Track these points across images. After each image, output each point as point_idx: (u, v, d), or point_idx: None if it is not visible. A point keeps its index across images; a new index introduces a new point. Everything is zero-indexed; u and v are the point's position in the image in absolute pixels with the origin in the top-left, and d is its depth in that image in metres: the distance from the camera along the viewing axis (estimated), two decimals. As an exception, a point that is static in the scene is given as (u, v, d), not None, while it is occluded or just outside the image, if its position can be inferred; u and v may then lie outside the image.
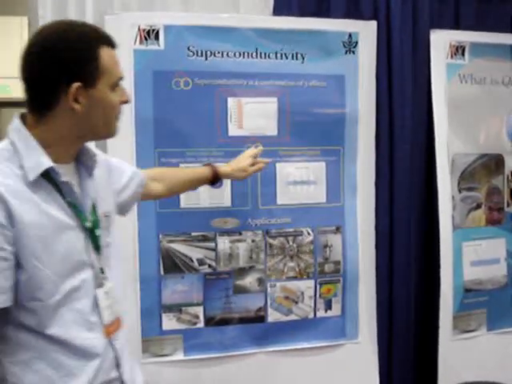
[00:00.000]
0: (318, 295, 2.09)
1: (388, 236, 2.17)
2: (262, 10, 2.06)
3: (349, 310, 2.13)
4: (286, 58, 2.00)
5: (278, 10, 2.06)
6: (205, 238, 1.98)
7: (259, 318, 2.05)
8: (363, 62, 2.08)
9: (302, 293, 2.08)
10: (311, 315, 2.10)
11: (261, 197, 2.02)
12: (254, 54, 1.98)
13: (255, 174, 1.89)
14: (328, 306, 2.11)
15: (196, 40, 1.91)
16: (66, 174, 1.14)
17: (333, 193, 2.09)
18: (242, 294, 2.02)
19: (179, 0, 2.02)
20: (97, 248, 1.18)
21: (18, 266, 1.06)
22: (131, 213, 1.61)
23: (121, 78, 1.17)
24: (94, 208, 1.20)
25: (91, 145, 1.25)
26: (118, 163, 1.42)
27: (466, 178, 2.23)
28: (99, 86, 1.11)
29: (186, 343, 1.98)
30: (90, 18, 1.89)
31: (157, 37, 1.88)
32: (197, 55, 1.92)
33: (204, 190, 1.90)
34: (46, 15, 1.90)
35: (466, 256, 2.22)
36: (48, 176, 1.10)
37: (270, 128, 2.02)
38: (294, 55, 2.01)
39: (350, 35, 2.05)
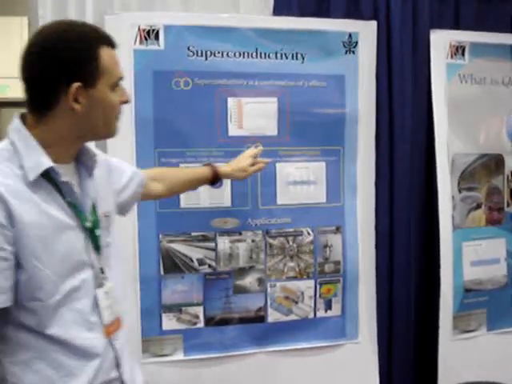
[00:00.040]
0: (317, 295, 2.09)
1: (388, 236, 2.17)
2: (262, 10, 2.06)
3: (349, 310, 2.13)
4: (286, 58, 2.00)
5: (278, 10, 2.06)
6: (205, 238, 1.98)
7: (259, 318, 2.05)
8: (363, 62, 2.08)
9: (302, 293, 2.08)
10: (311, 315, 2.10)
11: (261, 197, 2.02)
12: (254, 54, 1.98)
13: (255, 174, 1.89)
14: (328, 306, 2.11)
15: (196, 40, 1.91)
16: (66, 173, 1.14)
17: (333, 193, 2.09)
18: (242, 294, 2.02)
19: (179, 0, 2.02)
20: (97, 248, 1.18)
21: (18, 266, 1.06)
22: (131, 213, 1.61)
23: (121, 78, 1.17)
24: (93, 208, 1.19)
25: (91, 145, 1.25)
26: (118, 163, 1.42)
27: (466, 178, 2.23)
28: (99, 85, 1.11)
29: (186, 343, 1.98)
30: (89, 18, 1.89)
31: (157, 37, 1.88)
32: (197, 55, 1.92)
33: (204, 190, 1.90)
34: (46, 15, 1.90)
35: (466, 256, 2.22)
36: (48, 176, 1.10)
37: (270, 128, 2.02)
38: (294, 55, 2.01)
39: (349, 35, 2.05)
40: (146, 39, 1.87)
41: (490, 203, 2.27)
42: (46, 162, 1.09)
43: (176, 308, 1.96)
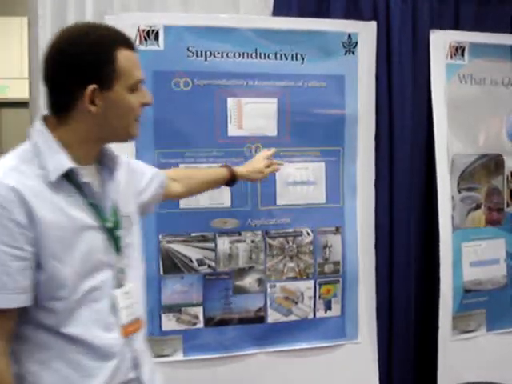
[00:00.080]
0: (317, 296, 2.09)
1: (388, 236, 2.17)
2: (262, 10, 2.07)
3: (348, 310, 2.13)
4: (286, 58, 2.00)
5: (278, 11, 2.06)
6: (204, 239, 1.98)
7: (259, 318, 2.05)
8: (363, 63, 2.08)
9: (302, 293, 2.08)
10: (311, 316, 2.10)
11: (260, 197, 2.02)
12: (254, 54, 1.98)
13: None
14: (328, 307, 2.11)
15: (196, 40, 1.91)
16: (87, 174, 1.15)
17: (332, 193, 2.09)
18: (242, 295, 2.02)
19: (179, 0, 2.02)
20: (117, 249, 1.19)
21: (38, 266, 1.07)
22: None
23: (140, 81, 1.17)
24: (114, 209, 1.20)
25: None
26: (138, 164, 1.45)
27: (466, 179, 2.23)
28: (116, 87, 1.11)
29: (186, 344, 1.98)
30: (89, 19, 1.89)
31: (156, 37, 1.88)
32: (196, 56, 1.92)
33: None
34: (46, 15, 1.91)
35: (465, 256, 2.23)
36: (69, 177, 1.11)
37: (270, 128, 2.02)
38: (294, 56, 2.01)
39: (349, 36, 2.05)
40: (145, 39, 1.87)
41: (490, 204, 2.27)
42: (68, 163, 1.10)
43: (176, 308, 1.96)
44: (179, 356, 1.98)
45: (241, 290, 2.02)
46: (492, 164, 2.27)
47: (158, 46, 1.88)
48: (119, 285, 1.18)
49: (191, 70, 1.92)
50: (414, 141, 2.18)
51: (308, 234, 2.08)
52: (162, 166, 1.90)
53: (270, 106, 2.01)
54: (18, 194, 1.04)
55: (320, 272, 2.10)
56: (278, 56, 2.00)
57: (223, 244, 2.00)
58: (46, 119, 1.15)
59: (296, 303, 2.08)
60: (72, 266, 1.09)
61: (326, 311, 2.11)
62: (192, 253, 1.97)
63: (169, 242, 1.95)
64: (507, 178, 2.29)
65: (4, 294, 1.04)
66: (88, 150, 1.16)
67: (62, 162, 1.10)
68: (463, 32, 2.20)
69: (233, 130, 1.98)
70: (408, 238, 2.20)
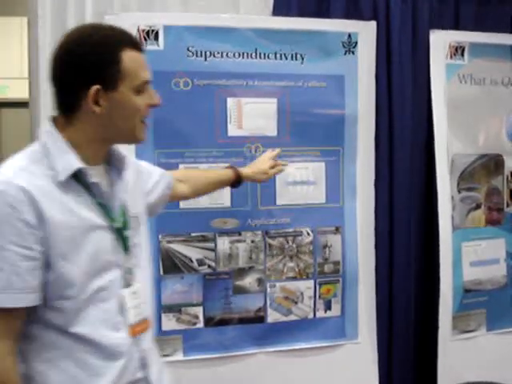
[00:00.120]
0: (317, 295, 2.09)
1: (388, 236, 2.18)
2: (262, 10, 2.07)
3: (348, 310, 2.13)
4: (286, 58, 2.01)
5: (278, 11, 2.06)
6: (204, 239, 1.98)
7: (259, 318, 2.05)
8: (363, 63, 2.08)
9: (302, 293, 2.08)
10: (311, 315, 2.10)
11: (260, 197, 2.02)
12: (254, 54, 1.98)
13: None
14: (327, 307, 2.11)
15: (195, 40, 1.91)
16: (96, 175, 1.16)
17: (332, 193, 2.09)
18: (242, 295, 2.02)
19: (179, 0, 2.02)
20: (125, 248, 1.19)
21: (47, 265, 1.07)
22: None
23: (147, 82, 1.17)
24: (123, 209, 1.21)
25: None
26: (146, 165, 1.46)
27: (466, 179, 2.23)
28: (121, 88, 1.12)
29: (186, 344, 1.98)
30: (89, 19, 1.89)
31: (156, 37, 1.88)
32: (196, 56, 1.92)
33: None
34: (46, 15, 1.91)
35: (465, 256, 2.23)
36: (78, 177, 1.12)
37: (270, 128, 2.02)
38: (294, 55, 2.01)
39: (349, 35, 2.05)
40: (145, 39, 1.87)
41: (490, 203, 2.27)
42: (76, 163, 1.11)
43: (176, 308, 1.96)
44: (179, 356, 1.98)
45: (241, 290, 2.02)
46: (492, 164, 2.27)
47: (158, 45, 1.88)
48: (127, 285, 1.19)
49: (191, 70, 1.92)
50: (414, 141, 2.18)
51: (308, 233, 2.08)
52: (161, 166, 1.89)
53: (269, 105, 2.01)
54: (27, 194, 1.04)
55: (320, 272, 2.10)
56: (278, 56, 2.00)
57: (223, 244, 2.00)
58: (54, 120, 1.16)
59: (296, 303, 2.08)
60: (80, 266, 1.10)
61: (325, 311, 2.11)
62: (192, 253, 1.97)
63: (169, 242, 1.95)
64: (507, 178, 2.29)
65: (13, 294, 1.05)
66: (96, 150, 1.17)
67: (71, 162, 1.11)
68: (463, 32, 2.20)
69: (233, 130, 1.98)
70: (408, 238, 2.20)
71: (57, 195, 1.08)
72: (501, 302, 2.29)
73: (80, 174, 1.12)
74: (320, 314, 2.10)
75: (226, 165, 1.84)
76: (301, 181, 2.06)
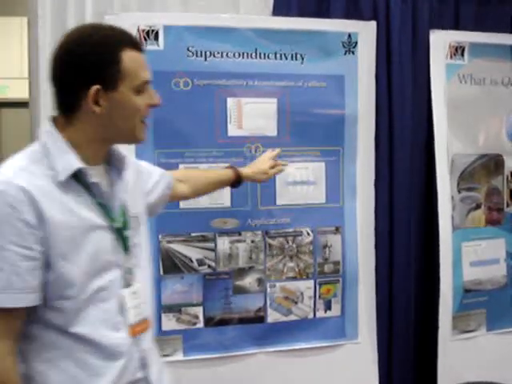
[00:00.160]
0: (317, 295, 2.09)
1: (388, 236, 2.18)
2: (262, 10, 2.07)
3: (348, 310, 2.13)
4: (286, 58, 2.01)
5: (278, 11, 2.06)
6: (204, 239, 1.98)
7: (259, 318, 2.05)
8: (363, 63, 2.08)
9: (302, 293, 2.08)
10: (311, 315, 2.10)
11: (260, 197, 2.02)
12: (254, 54, 1.98)
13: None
14: (327, 307, 2.11)
15: (195, 40, 1.91)
16: (96, 175, 1.16)
17: (332, 193, 2.09)
18: (242, 295, 2.02)
19: (179, 0, 2.02)
20: (125, 248, 1.19)
21: (47, 265, 1.08)
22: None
23: (146, 82, 1.17)
24: (123, 209, 1.21)
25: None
26: (146, 165, 1.46)
27: (466, 179, 2.23)
28: (121, 88, 1.12)
29: (186, 344, 1.98)
30: (89, 19, 1.89)
31: (156, 37, 1.88)
32: (196, 56, 1.92)
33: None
34: (46, 15, 1.91)
35: (465, 256, 2.23)
36: (78, 177, 1.12)
37: (270, 128, 2.02)
38: (294, 55, 2.01)
39: (349, 35, 2.05)
40: (145, 40, 1.87)
41: (490, 203, 2.27)
42: (76, 163, 1.11)
43: (176, 308, 1.96)
44: (179, 356, 1.98)
45: (241, 290, 2.02)
46: (492, 164, 2.27)
47: (158, 45, 1.88)
48: (127, 285, 1.19)
49: (191, 70, 1.92)
50: (414, 141, 2.18)
51: (308, 233, 2.08)
52: (161, 166, 1.88)
53: (269, 105, 2.01)
54: (27, 194, 1.04)
55: (320, 272, 2.10)
56: (278, 56, 2.00)
57: (223, 244, 2.00)
58: (54, 120, 1.16)
59: (296, 303, 2.08)
60: (80, 266, 1.10)
61: (325, 311, 2.11)
62: (192, 253, 1.97)
63: (169, 242, 1.95)
64: (507, 178, 2.29)
65: (13, 294, 1.05)
66: (96, 150, 1.17)
67: (71, 162, 1.11)
68: (463, 32, 2.20)
69: (233, 130, 1.98)
70: (408, 238, 2.20)
71: (57, 195, 1.08)
72: (501, 302, 2.29)
73: (80, 173, 1.12)
74: (320, 314, 2.10)
75: (226, 165, 1.84)
76: (301, 181, 2.06)
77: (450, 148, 2.18)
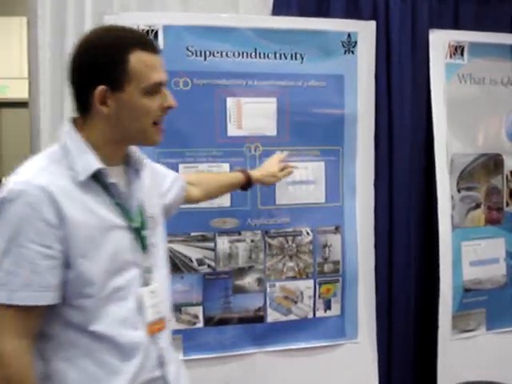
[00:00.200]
0: (317, 295, 2.09)
1: (387, 236, 2.17)
2: (262, 9, 2.07)
3: (348, 309, 2.13)
4: (285, 58, 2.01)
5: (278, 10, 2.06)
6: (204, 238, 1.98)
7: (258, 318, 2.05)
8: (362, 62, 2.08)
9: (302, 293, 2.08)
10: (310, 315, 2.10)
11: (260, 197, 2.02)
12: (253, 54, 1.98)
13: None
14: (327, 306, 2.11)
15: (195, 40, 1.91)
16: (115, 175, 1.17)
17: (332, 193, 2.09)
18: (242, 294, 2.02)
19: (178, 0, 2.02)
20: (143, 248, 1.20)
21: (66, 264, 1.09)
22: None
23: (159, 83, 1.16)
24: (140, 209, 1.22)
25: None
26: (160, 167, 1.48)
27: (465, 178, 2.23)
28: (128, 89, 1.12)
29: (186, 343, 1.98)
30: (89, 19, 1.90)
31: (156, 37, 1.87)
32: (196, 55, 1.92)
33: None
34: (46, 15, 1.91)
35: (465, 256, 2.23)
36: (97, 177, 1.13)
37: (270, 128, 2.02)
38: (293, 55, 2.01)
39: (349, 35, 2.05)
40: (145, 39, 1.86)
41: (490, 203, 2.27)
42: (96, 164, 1.12)
43: (175, 308, 1.96)
44: (179, 356, 1.97)
45: (240, 290, 2.02)
46: (491, 163, 2.27)
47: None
48: (145, 284, 1.20)
49: (190, 70, 1.92)
50: (414, 140, 2.18)
51: (307, 233, 2.08)
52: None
53: (269, 105, 2.01)
54: (47, 194, 1.06)
55: (319, 271, 2.10)
56: (278, 56, 2.00)
57: (223, 244, 2.00)
58: (74, 120, 1.17)
59: (295, 303, 2.08)
60: (100, 265, 1.11)
61: (325, 311, 2.11)
62: (192, 252, 1.97)
63: (168, 241, 1.93)
64: (507, 178, 2.29)
65: (32, 292, 1.06)
66: (113, 150, 1.18)
67: (91, 162, 1.12)
68: (463, 31, 2.20)
69: (232, 130, 1.98)
70: (408, 237, 2.20)
71: (77, 195, 1.10)
72: (500, 302, 2.29)
73: (99, 174, 1.13)
74: (320, 313, 2.11)
75: (227, 165, 1.86)
76: (300, 180, 2.06)
77: (449, 147, 2.18)
